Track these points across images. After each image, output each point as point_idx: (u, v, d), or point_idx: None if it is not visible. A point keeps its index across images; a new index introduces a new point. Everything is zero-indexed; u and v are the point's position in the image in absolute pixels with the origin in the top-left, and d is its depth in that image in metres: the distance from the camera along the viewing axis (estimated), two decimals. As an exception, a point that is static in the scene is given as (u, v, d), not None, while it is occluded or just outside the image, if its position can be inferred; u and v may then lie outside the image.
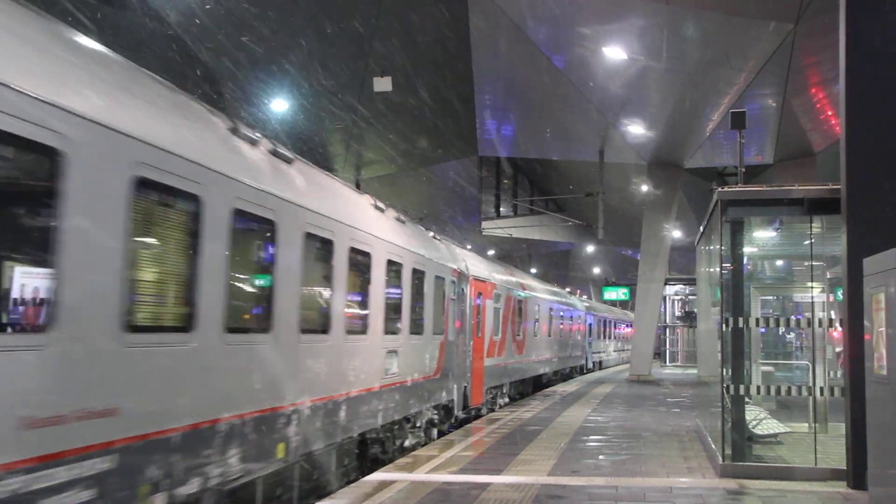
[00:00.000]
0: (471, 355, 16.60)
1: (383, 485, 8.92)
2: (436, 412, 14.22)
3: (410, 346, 12.15)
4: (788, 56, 17.72)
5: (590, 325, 38.03)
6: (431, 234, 15.17)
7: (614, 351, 47.82)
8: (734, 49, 18.38)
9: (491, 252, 39.57)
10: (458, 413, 15.70)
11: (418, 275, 12.58)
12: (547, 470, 10.01)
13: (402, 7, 21.07)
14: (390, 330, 11.18)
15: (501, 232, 40.25)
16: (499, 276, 20.07)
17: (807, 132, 23.84)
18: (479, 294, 17.39)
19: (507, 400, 20.75)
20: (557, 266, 60.17)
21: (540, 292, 25.99)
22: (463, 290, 15.84)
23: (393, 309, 11.38)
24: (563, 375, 31.08)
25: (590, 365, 37.89)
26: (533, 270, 52.44)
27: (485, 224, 38.96)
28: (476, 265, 17.76)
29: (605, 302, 50.96)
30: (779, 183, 14.71)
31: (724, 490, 8.92)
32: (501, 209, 40.94)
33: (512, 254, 48.49)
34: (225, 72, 22.93)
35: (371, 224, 10.64)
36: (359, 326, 10.15)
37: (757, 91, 20.27)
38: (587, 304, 39.39)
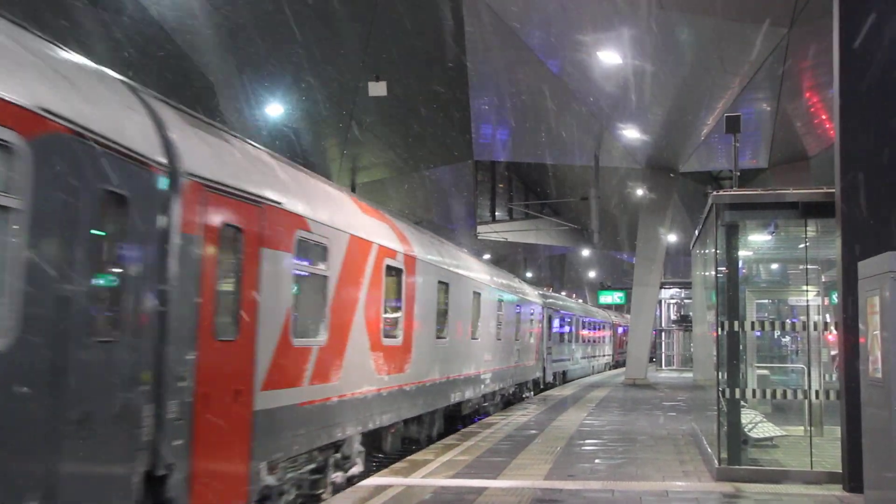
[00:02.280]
0: (189, 390, 6.34)
1: (379, 489, 8.91)
2: None
3: None
4: (782, 60, 17.77)
5: (549, 324, 28.37)
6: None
7: (583, 358, 37.44)
8: (728, 53, 18.44)
9: (486, 256, 39.60)
10: None
11: None
12: (543, 474, 10.00)
13: (398, 12, 21.11)
14: None
15: (497, 236, 40.29)
16: (319, 202, 9.22)
17: (801, 136, 23.91)
18: (239, 234, 7.22)
19: (357, 469, 10.04)
20: (553, 270, 60.28)
21: (451, 264, 14.95)
22: (143, 209, 5.89)
23: None
24: (506, 398, 21.30)
25: (549, 377, 28.12)
26: (528, 274, 52.50)
27: (480, 228, 38.99)
28: (232, 160, 7.46)
29: (601, 306, 50.85)
30: (773, 187, 14.73)
31: (720, 493, 8.93)
32: (497, 213, 40.98)
33: (508, 258, 48.56)
34: (220, 75, 22.94)
35: None
36: None
37: (751, 95, 20.33)
38: (550, 299, 30.32)
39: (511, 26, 19.61)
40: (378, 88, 20.66)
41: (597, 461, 11.16)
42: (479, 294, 16.98)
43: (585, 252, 52.43)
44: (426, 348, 13.11)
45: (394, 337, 11.55)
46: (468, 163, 33.09)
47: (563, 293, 43.89)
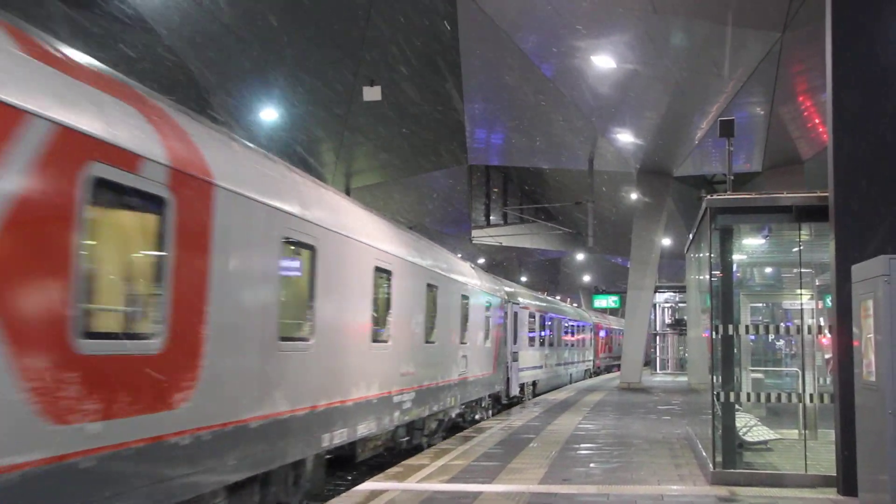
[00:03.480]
0: None
1: (374, 494, 8.88)
2: None
3: None
4: (776, 64, 17.83)
5: (516, 323, 23.25)
6: None
7: (559, 364, 31.55)
8: (722, 57, 18.49)
9: (481, 261, 39.61)
10: None
11: None
12: (538, 478, 9.99)
13: (392, 16, 21.13)
14: None
15: (491, 240, 40.32)
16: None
17: (795, 140, 23.98)
18: None
19: None
20: (548, 274, 60.30)
21: (326, 217, 9.00)
22: None
23: None
24: (447, 423, 15.81)
25: (514, 390, 22.67)
26: (523, 279, 52.51)
27: (475, 233, 39.06)
28: None
29: (596, 310, 50.85)
30: (767, 191, 14.68)
31: (715, 497, 8.92)
32: (491, 217, 41.01)
33: (503, 262, 48.58)
34: (215, 81, 22.92)
35: None
36: None
37: (745, 99, 20.38)
38: (518, 294, 24.59)
39: (505, 30, 19.63)
40: (372, 93, 20.68)
41: (592, 465, 11.15)
42: (388, 274, 11.29)
43: (580, 256, 52.50)
44: (252, 358, 7.17)
45: (143, 338, 5.62)
46: (463, 167, 33.13)
47: (558, 297, 43.82)
